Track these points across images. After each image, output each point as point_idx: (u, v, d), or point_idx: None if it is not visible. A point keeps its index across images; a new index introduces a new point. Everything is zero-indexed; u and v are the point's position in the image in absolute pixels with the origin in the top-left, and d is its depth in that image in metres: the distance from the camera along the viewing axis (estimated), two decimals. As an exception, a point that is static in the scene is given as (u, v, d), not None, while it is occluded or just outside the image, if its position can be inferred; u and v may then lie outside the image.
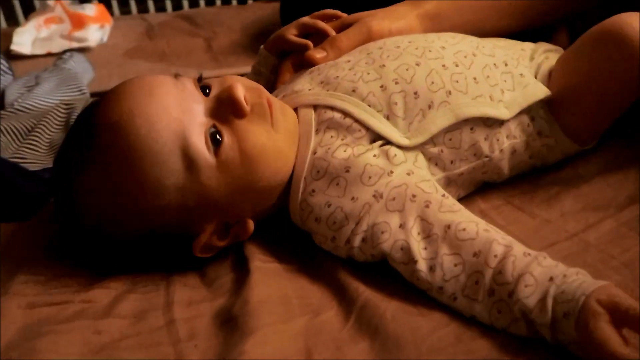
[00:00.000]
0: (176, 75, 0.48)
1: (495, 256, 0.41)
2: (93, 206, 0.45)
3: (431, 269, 0.42)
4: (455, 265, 0.42)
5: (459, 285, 0.41)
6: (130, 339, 0.41)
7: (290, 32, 0.62)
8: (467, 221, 0.43)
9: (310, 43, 0.59)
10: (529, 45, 0.60)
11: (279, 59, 0.63)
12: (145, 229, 0.46)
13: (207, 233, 0.47)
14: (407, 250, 0.43)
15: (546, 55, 0.59)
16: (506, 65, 0.54)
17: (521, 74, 0.54)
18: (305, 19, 0.62)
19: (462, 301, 0.41)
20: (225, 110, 0.46)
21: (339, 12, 0.63)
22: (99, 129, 0.45)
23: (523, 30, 0.64)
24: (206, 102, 0.47)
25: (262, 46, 0.65)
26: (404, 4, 0.63)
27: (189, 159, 0.44)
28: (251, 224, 0.49)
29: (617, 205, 0.51)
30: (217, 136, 0.45)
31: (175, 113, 0.44)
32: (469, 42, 0.56)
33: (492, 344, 0.38)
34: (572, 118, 0.55)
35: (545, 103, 0.54)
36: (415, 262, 0.43)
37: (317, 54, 0.57)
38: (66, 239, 0.51)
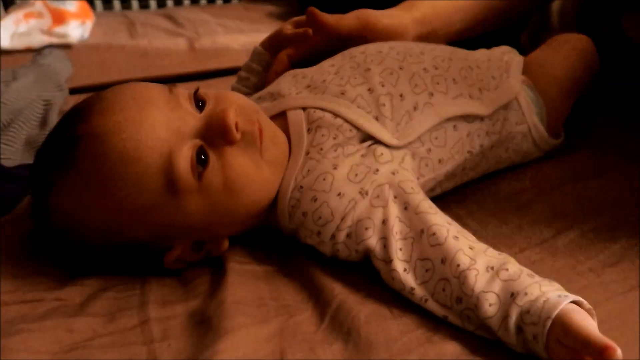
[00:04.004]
0: (171, 89, 0.47)
1: (458, 265, 0.41)
2: (67, 213, 0.45)
3: (405, 270, 0.43)
4: (427, 270, 0.43)
5: (429, 290, 0.42)
6: (103, 338, 0.41)
7: (286, 28, 0.64)
8: (439, 226, 0.44)
9: (308, 29, 0.61)
10: (484, 51, 0.65)
11: (273, 57, 0.64)
12: (115, 242, 0.45)
13: (179, 249, 0.47)
14: (387, 248, 0.44)
15: (506, 55, 0.64)
16: (479, 68, 0.58)
17: (492, 77, 0.58)
18: (298, 17, 0.65)
19: (432, 305, 0.42)
20: (214, 134, 0.45)
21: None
22: (84, 138, 0.43)
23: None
24: (198, 121, 0.46)
25: (256, 45, 0.66)
26: (398, 8, 0.67)
27: (170, 181, 0.43)
28: (226, 243, 0.49)
29: (583, 214, 0.52)
30: (203, 157, 0.44)
31: (163, 133, 0.43)
32: (444, 49, 0.60)
33: (462, 345, 0.39)
34: (546, 100, 0.60)
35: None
36: (391, 261, 0.44)
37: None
38: (40, 238, 0.51)
